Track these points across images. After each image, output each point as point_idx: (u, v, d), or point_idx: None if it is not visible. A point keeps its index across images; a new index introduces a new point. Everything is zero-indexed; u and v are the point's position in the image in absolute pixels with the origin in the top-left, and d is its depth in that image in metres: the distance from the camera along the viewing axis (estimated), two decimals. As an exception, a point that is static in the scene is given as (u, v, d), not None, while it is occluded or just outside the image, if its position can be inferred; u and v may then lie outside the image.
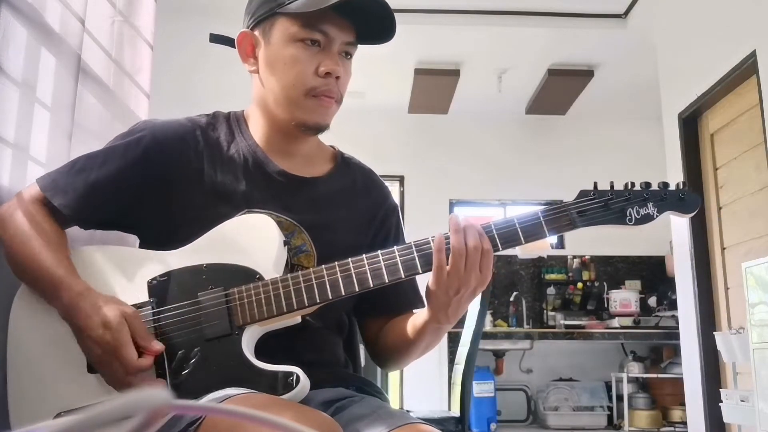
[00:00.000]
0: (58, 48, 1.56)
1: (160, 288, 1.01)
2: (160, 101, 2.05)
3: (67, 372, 0.99)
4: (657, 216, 1.03)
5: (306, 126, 1.11)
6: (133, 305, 0.99)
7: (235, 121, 1.17)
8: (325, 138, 1.24)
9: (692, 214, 1.06)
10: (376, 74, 4.99)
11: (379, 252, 1.00)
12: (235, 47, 1.14)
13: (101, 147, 1.13)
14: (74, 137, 1.56)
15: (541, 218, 1.01)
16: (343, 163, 1.23)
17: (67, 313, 0.98)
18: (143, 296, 1.01)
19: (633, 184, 1.04)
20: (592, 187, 1.05)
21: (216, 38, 1.19)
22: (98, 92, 1.71)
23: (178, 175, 1.09)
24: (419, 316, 1.09)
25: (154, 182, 1.08)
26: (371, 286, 0.99)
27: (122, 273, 1.03)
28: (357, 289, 0.99)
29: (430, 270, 0.99)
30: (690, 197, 1.05)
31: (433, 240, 0.99)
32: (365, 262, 1.00)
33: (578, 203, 1.03)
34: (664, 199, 1.04)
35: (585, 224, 1.02)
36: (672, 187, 1.05)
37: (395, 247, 1.01)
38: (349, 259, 1.00)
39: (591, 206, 1.02)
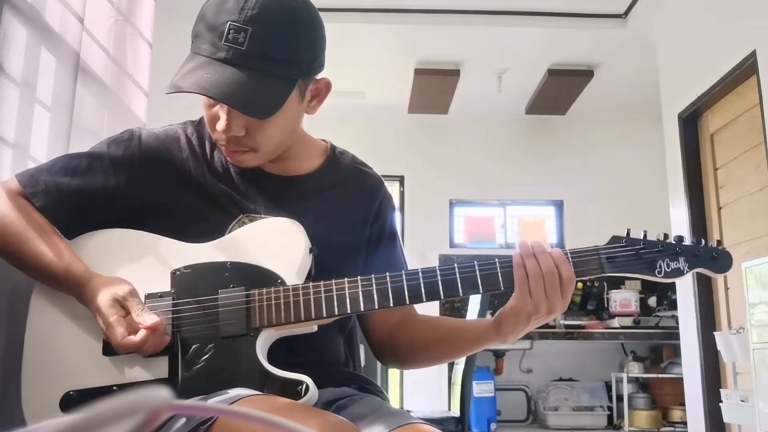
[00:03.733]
0: (58, 48, 1.56)
1: (183, 280, 1.02)
2: (159, 100, 2.05)
3: (82, 353, 1.00)
4: (687, 272, 1.01)
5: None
6: (154, 293, 1.00)
7: None
8: (323, 136, 1.24)
9: (723, 274, 1.04)
10: (376, 74, 4.99)
11: (402, 272, 1.00)
12: None
13: None
14: (73, 137, 1.56)
15: (570, 259, 1.00)
16: (334, 157, 1.20)
17: (79, 298, 1.00)
18: (166, 286, 1.02)
19: (666, 236, 1.03)
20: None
21: None
22: (98, 92, 1.71)
23: (165, 188, 1.08)
24: (476, 331, 1.08)
25: (139, 198, 1.08)
26: (391, 305, 0.99)
27: (148, 260, 1.03)
28: (377, 307, 0.99)
29: (453, 296, 1.00)
30: (723, 258, 1.03)
31: (458, 266, 0.99)
32: (387, 280, 0.99)
33: (609, 248, 1.01)
34: (697, 255, 1.02)
35: (613, 271, 1.00)
36: (704, 243, 1.03)
37: (419, 269, 1.00)
38: (372, 276, 1.00)
39: (621, 253, 1.01)
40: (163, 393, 0.33)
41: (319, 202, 1.14)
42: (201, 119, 1.17)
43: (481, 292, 1.00)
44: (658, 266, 1.01)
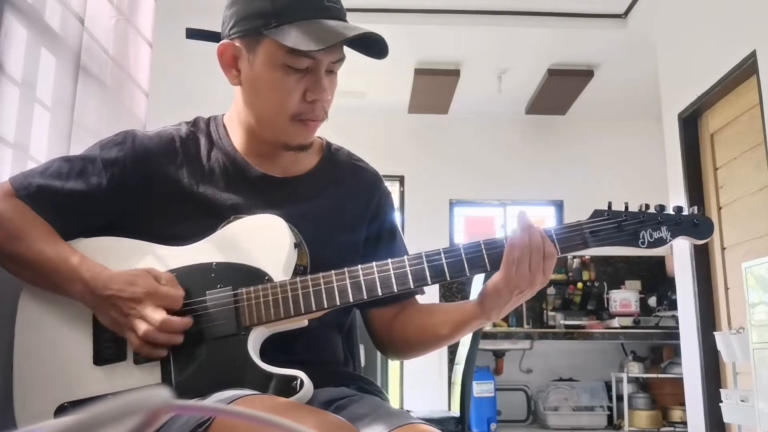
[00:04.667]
0: (58, 48, 1.55)
1: None
2: (160, 100, 2.05)
3: (74, 364, 1.00)
4: (670, 240, 1.03)
5: (289, 147, 1.10)
6: None
7: (214, 128, 1.15)
8: (322, 134, 1.23)
9: (706, 240, 1.05)
10: (376, 74, 4.98)
11: (389, 260, 1.00)
12: (217, 41, 1.09)
13: None
14: (74, 137, 1.56)
15: (554, 237, 1.01)
16: (329, 155, 1.20)
17: (88, 292, 0.98)
18: None
19: (647, 206, 1.04)
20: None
21: (194, 34, 1.13)
22: (98, 91, 1.71)
23: (158, 192, 1.08)
24: (461, 312, 1.09)
25: (132, 202, 1.07)
26: (380, 294, 0.99)
27: (134, 266, 1.03)
28: (365, 297, 0.99)
29: (439, 282, 1.00)
30: (704, 223, 1.04)
31: (444, 251, 1.00)
32: (375, 269, 1.00)
33: (591, 223, 1.03)
34: (679, 223, 1.03)
35: (597, 244, 1.02)
36: (686, 211, 1.04)
37: (405, 256, 1.01)
38: (359, 266, 1.00)
39: (604, 227, 1.02)
40: (163, 393, 0.33)
41: (318, 202, 1.14)
42: (195, 120, 1.17)
43: (468, 275, 1.01)
44: (641, 237, 1.02)
